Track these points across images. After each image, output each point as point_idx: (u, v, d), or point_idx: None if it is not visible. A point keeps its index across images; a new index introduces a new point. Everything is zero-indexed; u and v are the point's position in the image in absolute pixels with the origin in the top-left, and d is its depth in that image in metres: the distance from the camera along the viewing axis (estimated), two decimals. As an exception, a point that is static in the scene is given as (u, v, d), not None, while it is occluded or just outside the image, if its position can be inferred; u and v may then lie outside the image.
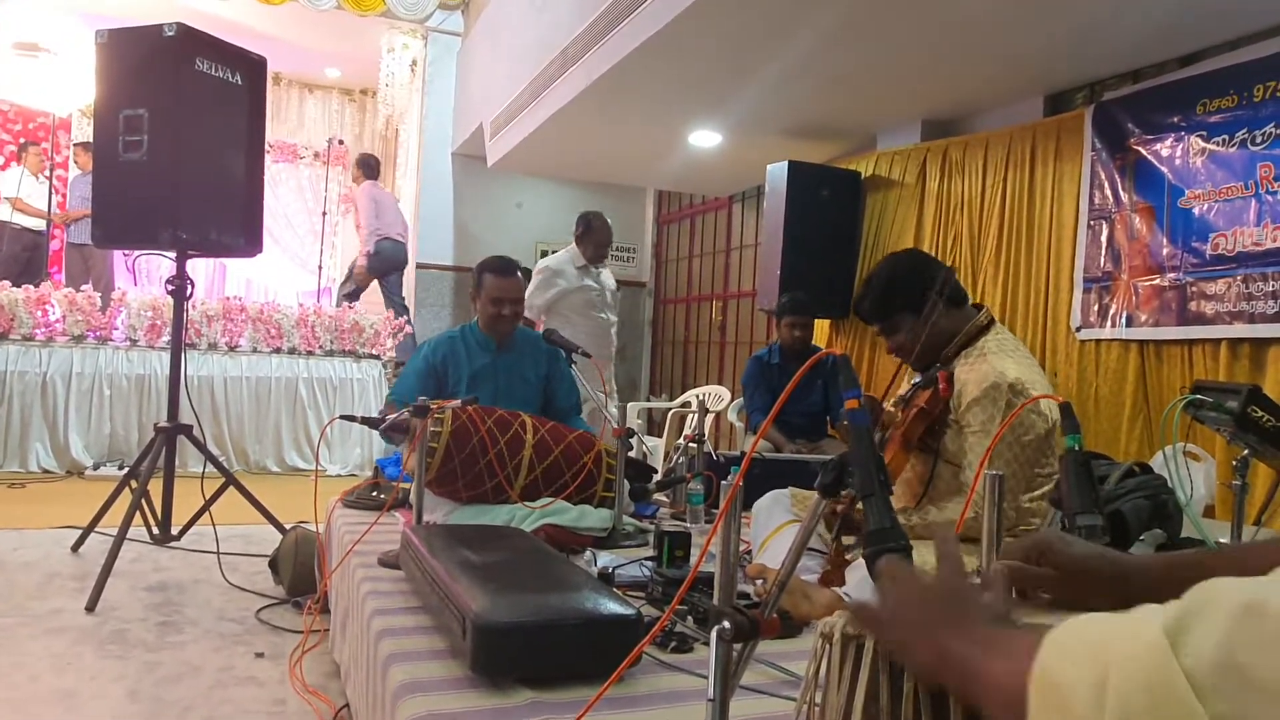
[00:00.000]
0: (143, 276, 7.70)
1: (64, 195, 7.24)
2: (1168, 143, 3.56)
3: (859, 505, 1.55)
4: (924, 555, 1.74)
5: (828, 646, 0.77)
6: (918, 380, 1.94)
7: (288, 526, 3.31)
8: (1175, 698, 0.43)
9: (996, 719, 0.57)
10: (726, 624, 0.89)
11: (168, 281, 3.46)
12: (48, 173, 7.17)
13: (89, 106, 6.50)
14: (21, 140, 7.91)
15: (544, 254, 7.96)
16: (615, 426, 2.60)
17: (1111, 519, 2.02)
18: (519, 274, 3.18)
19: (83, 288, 5.77)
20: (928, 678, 0.68)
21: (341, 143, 9.03)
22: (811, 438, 4.17)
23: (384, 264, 7.11)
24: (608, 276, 4.96)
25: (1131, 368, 3.65)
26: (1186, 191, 3.47)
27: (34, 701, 2.16)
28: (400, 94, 7.79)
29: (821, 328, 5.35)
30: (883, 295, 2.04)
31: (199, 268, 8.42)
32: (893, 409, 2.00)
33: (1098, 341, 3.81)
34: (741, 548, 2.02)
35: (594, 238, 4.74)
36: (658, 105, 4.92)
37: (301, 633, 2.56)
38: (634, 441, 2.83)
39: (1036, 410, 1.84)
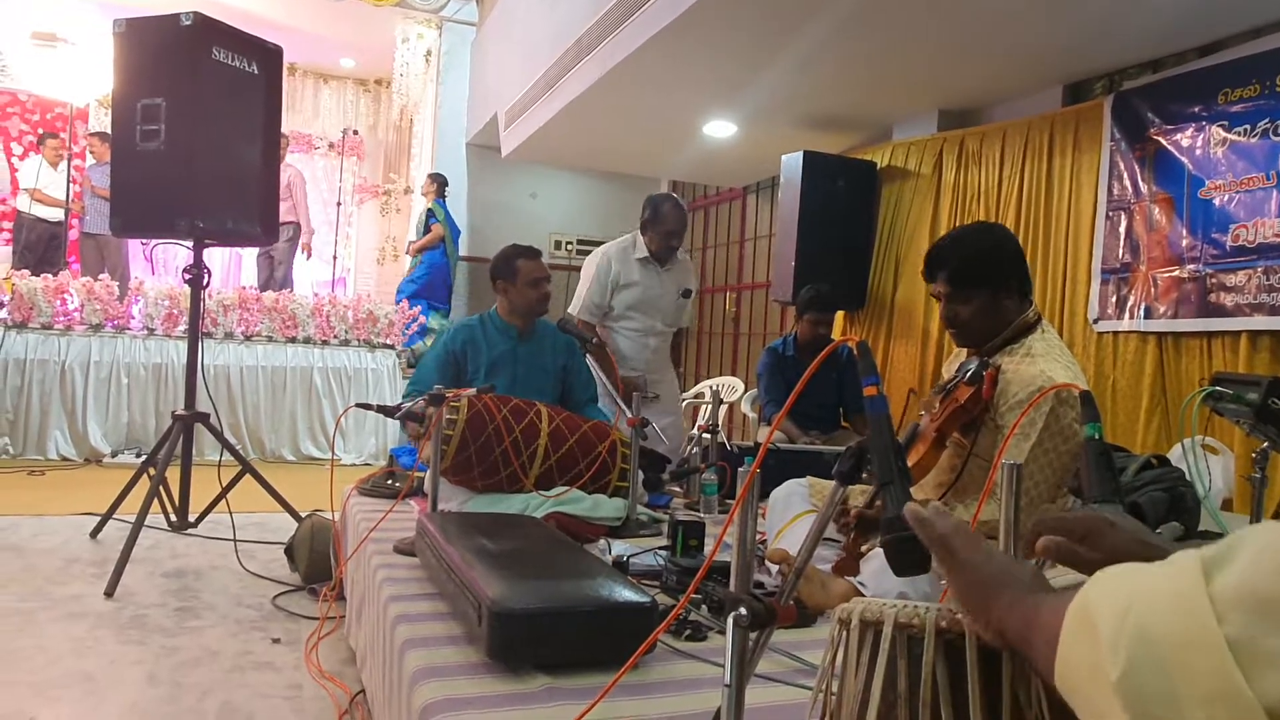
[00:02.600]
0: (159, 266, 7.76)
1: (80, 185, 7.29)
2: (1188, 133, 3.52)
3: (876, 504, 1.54)
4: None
5: (845, 632, 0.77)
6: (964, 370, 1.90)
7: (304, 514, 3.34)
8: (1194, 617, 0.44)
9: (1042, 672, 0.59)
10: (743, 610, 0.89)
11: (185, 270, 3.48)
12: (66, 163, 7.22)
13: (106, 96, 6.55)
14: (40, 131, 7.97)
15: (557, 244, 7.97)
16: (629, 417, 2.60)
17: (1129, 511, 2.01)
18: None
19: (99, 277, 5.82)
20: (993, 633, 0.69)
21: (356, 133, 9.05)
22: (825, 429, 4.15)
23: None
24: (679, 276, 3.85)
25: (1150, 360, 3.62)
26: (1207, 182, 3.43)
27: (54, 685, 2.19)
28: (415, 84, 7.79)
29: (836, 319, 5.33)
30: (970, 261, 1.93)
31: (215, 257, 8.46)
32: (930, 396, 1.98)
33: (1115, 333, 3.78)
34: (757, 537, 2.01)
35: (661, 227, 3.67)
36: (672, 95, 4.91)
37: (317, 619, 2.58)
38: (649, 431, 2.83)
39: (1079, 420, 1.81)
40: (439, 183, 7.38)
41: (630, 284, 3.71)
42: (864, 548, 1.77)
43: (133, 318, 5.77)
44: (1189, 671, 0.44)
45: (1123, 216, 3.78)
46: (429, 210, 7.33)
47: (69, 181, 7.03)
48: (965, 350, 2.10)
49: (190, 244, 3.45)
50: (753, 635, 0.91)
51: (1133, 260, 3.72)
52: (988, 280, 1.93)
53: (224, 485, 3.52)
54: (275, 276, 7.55)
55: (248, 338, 5.95)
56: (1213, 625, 0.43)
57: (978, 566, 0.71)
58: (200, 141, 3.30)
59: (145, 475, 3.53)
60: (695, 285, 4.05)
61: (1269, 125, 3.22)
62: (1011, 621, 0.65)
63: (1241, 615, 0.43)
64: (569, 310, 3.74)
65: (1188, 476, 2.37)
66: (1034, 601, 0.64)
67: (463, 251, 7.73)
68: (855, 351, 0.98)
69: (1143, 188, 3.69)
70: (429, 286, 7.29)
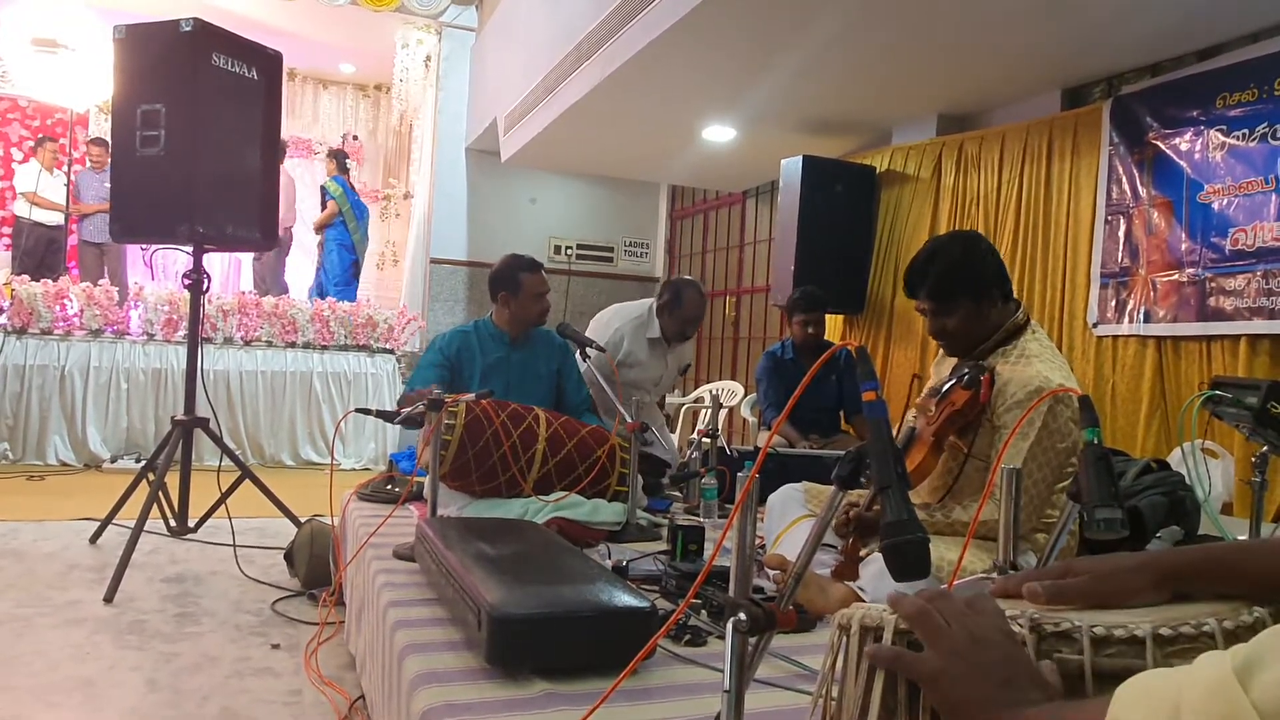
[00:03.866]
0: (159, 271, 7.77)
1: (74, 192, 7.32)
2: (1187, 137, 3.52)
3: (874, 507, 1.54)
4: (941, 551, 1.74)
5: (845, 638, 0.76)
6: (959, 374, 1.90)
7: (303, 519, 3.33)
8: None
9: None
10: (742, 615, 0.89)
11: (184, 276, 3.48)
12: (66, 168, 7.23)
13: (106, 102, 6.55)
14: (39, 135, 7.98)
15: (557, 249, 7.97)
16: (629, 421, 2.60)
17: (1128, 516, 2.01)
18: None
19: (99, 282, 5.81)
20: None
21: (356, 138, 9.06)
22: (825, 433, 4.15)
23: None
24: (681, 353, 3.90)
25: (1149, 364, 3.62)
26: (1206, 186, 3.44)
27: (54, 690, 2.18)
28: (414, 89, 7.80)
29: (834, 323, 5.34)
30: (949, 273, 1.94)
31: (214, 262, 8.48)
32: (925, 399, 1.98)
33: (1115, 337, 3.78)
34: (756, 541, 2.00)
35: (681, 314, 3.63)
36: (672, 100, 4.91)
37: (317, 624, 2.58)
38: (649, 436, 2.83)
39: (1075, 419, 1.82)
40: (337, 159, 7.64)
41: (636, 364, 3.64)
42: (863, 552, 1.77)
43: (131, 321, 5.77)
44: None
45: (1122, 220, 3.78)
46: (323, 187, 7.60)
47: (67, 187, 7.04)
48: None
49: (190, 249, 3.45)
50: (752, 640, 0.91)
51: (1132, 264, 3.72)
52: (968, 290, 1.93)
53: (223, 490, 3.52)
54: (265, 280, 7.56)
55: (247, 343, 5.95)
56: None
57: (959, 679, 0.66)
58: (200, 147, 3.30)
59: (145, 480, 3.52)
60: (692, 358, 4.05)
61: (1267, 129, 3.22)
62: None
63: None
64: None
65: (1187, 480, 2.37)
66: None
67: (463, 257, 7.73)
68: (854, 355, 0.98)
69: (1141, 192, 3.69)
70: (341, 272, 7.42)
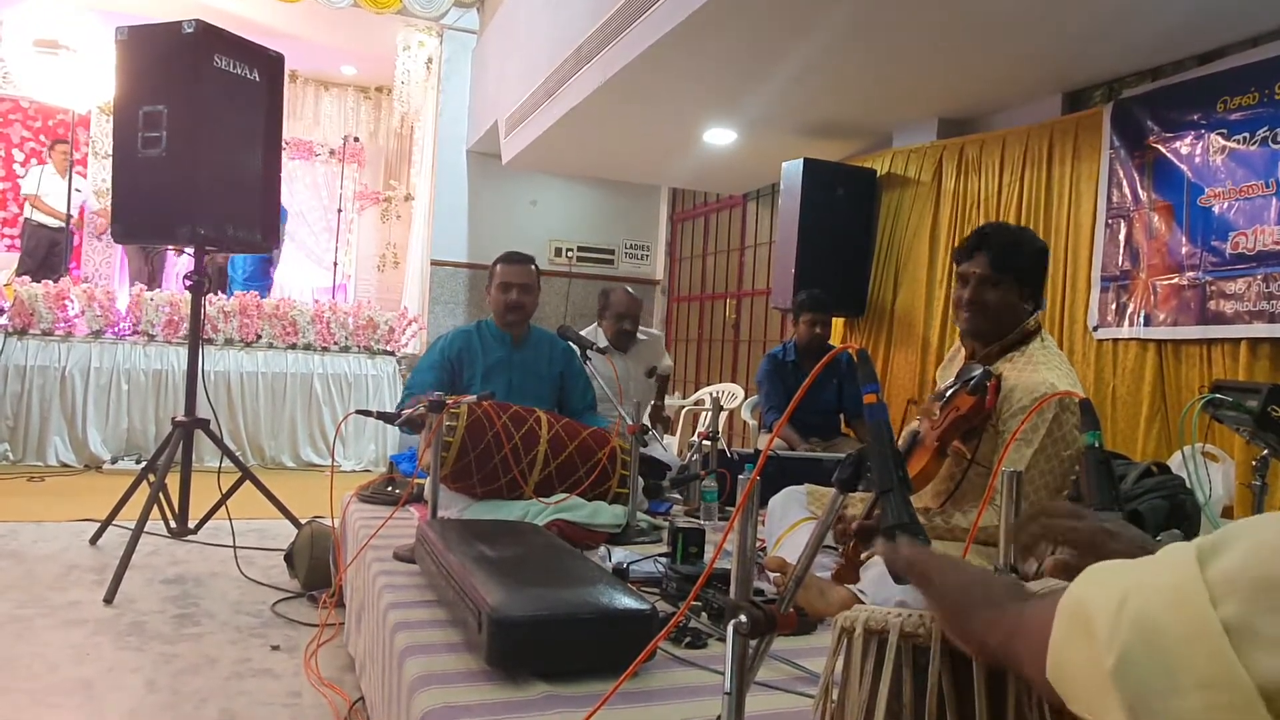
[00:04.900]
0: (159, 272, 7.79)
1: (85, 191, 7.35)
2: (1187, 141, 3.52)
3: (875, 512, 1.54)
4: (940, 554, 1.74)
5: (848, 641, 0.76)
6: (966, 379, 1.90)
7: (303, 521, 3.33)
8: (1190, 603, 0.44)
9: (1030, 674, 0.58)
10: (743, 618, 0.89)
11: (185, 277, 3.48)
12: (68, 171, 7.24)
13: (108, 103, 6.56)
14: (43, 138, 8.00)
15: (558, 251, 7.99)
16: (630, 424, 2.60)
17: (1129, 519, 2.01)
18: (532, 264, 3.20)
19: (113, 283, 5.81)
20: (975, 647, 0.69)
21: (357, 140, 9.07)
22: (825, 436, 4.16)
23: None
24: (644, 356, 4.05)
25: (1149, 367, 3.62)
26: (1206, 190, 3.44)
27: (53, 692, 2.18)
28: (416, 92, 7.81)
29: (835, 326, 5.34)
30: (1016, 248, 2.00)
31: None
32: (929, 403, 1.98)
33: (1115, 341, 3.78)
34: (756, 544, 1.99)
35: (611, 311, 3.92)
36: (672, 103, 4.92)
37: (317, 626, 2.58)
38: (648, 438, 2.83)
39: (1080, 427, 1.82)
40: None
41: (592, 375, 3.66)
42: (864, 555, 1.77)
43: (123, 319, 5.77)
44: (1185, 657, 0.44)
45: (1122, 224, 3.78)
46: None
47: (69, 188, 7.05)
48: (961, 355, 2.10)
49: (191, 250, 3.45)
50: (753, 643, 0.91)
51: (1132, 268, 3.72)
52: (1019, 273, 1.98)
53: (224, 492, 3.52)
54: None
55: (248, 344, 5.95)
56: (1208, 610, 0.43)
57: (950, 589, 0.71)
58: (202, 148, 3.31)
59: (145, 481, 3.52)
60: (664, 362, 4.16)
61: (1268, 133, 3.22)
62: (992, 636, 0.65)
63: (1237, 599, 0.43)
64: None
65: (1188, 484, 2.38)
66: (1015, 612, 0.64)
67: (463, 259, 7.74)
68: (855, 358, 0.99)
69: (1142, 195, 3.69)
70: (252, 266, 7.46)
